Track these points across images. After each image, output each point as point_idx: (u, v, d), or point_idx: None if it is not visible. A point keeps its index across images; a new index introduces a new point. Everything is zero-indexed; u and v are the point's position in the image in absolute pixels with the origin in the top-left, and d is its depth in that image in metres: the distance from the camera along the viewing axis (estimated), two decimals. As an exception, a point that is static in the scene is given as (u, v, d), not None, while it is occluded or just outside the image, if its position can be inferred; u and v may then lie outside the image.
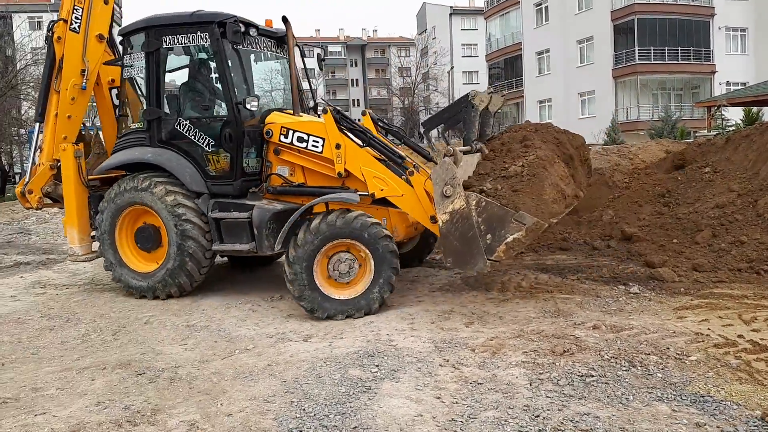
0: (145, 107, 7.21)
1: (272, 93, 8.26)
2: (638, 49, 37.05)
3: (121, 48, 7.68)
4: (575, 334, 5.15)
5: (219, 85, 7.01)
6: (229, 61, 6.89)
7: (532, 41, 45.84)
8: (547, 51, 44.42)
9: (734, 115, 25.84)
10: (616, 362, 4.50)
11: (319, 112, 7.62)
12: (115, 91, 8.28)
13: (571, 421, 3.63)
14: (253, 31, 6.85)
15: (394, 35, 76.55)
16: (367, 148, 6.69)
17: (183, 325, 6.12)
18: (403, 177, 6.42)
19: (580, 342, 4.94)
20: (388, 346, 5.14)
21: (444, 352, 4.93)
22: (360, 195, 6.46)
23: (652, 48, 37.04)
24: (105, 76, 8.23)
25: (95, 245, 7.75)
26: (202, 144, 6.91)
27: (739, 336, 4.89)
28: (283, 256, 6.36)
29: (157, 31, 6.99)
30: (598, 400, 3.90)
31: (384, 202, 6.64)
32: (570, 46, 41.84)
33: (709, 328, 5.12)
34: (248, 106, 6.64)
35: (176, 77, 7.56)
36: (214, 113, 7.15)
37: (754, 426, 3.46)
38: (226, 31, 6.49)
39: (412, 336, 5.41)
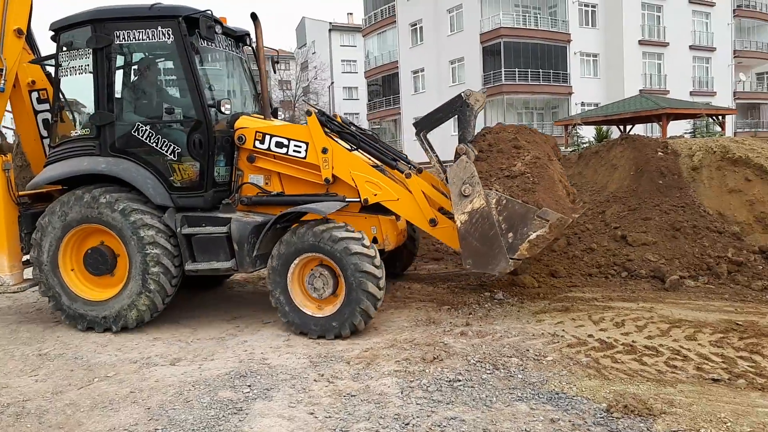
0: (89, 112, 6.37)
1: (233, 96, 7.41)
2: (504, 71, 39.56)
3: (41, 44, 6.77)
4: (444, 341, 5.35)
5: (182, 86, 6.33)
6: (195, 60, 6.17)
7: (408, 60, 47.43)
8: (422, 70, 46.17)
9: (588, 133, 28.31)
10: (481, 366, 4.73)
11: (279, 115, 7.30)
12: (36, 95, 7.22)
13: (438, 426, 3.76)
14: (218, 29, 6.22)
15: (274, 48, 75.72)
16: (357, 151, 6.35)
17: (34, 354, 5.59)
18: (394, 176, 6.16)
19: (449, 348, 5.13)
20: (262, 365, 5.03)
21: (319, 367, 4.91)
22: (351, 201, 6.24)
23: (517, 70, 39.71)
24: (24, 77, 7.10)
25: (27, 272, 6.64)
26: (166, 152, 6.12)
27: (589, 335, 5.33)
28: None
29: (107, 25, 6.13)
30: (465, 404, 4.07)
31: (374, 208, 6.36)
32: (443, 66, 43.79)
33: (563, 330, 5.53)
34: (222, 109, 6.09)
35: (130, 77, 6.59)
36: (180, 116, 6.32)
37: (601, 417, 3.78)
38: (200, 26, 5.96)
39: (287, 353, 5.34)
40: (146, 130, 6.13)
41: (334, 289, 5.71)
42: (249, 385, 4.57)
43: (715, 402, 3.88)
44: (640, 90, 38.36)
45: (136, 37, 6.15)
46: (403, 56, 48.06)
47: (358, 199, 6.24)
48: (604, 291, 6.66)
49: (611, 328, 5.52)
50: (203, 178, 6.18)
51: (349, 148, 6.33)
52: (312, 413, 4.05)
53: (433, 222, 6.12)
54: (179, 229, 6.06)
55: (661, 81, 43.81)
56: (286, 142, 6.29)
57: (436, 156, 6.43)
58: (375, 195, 6.19)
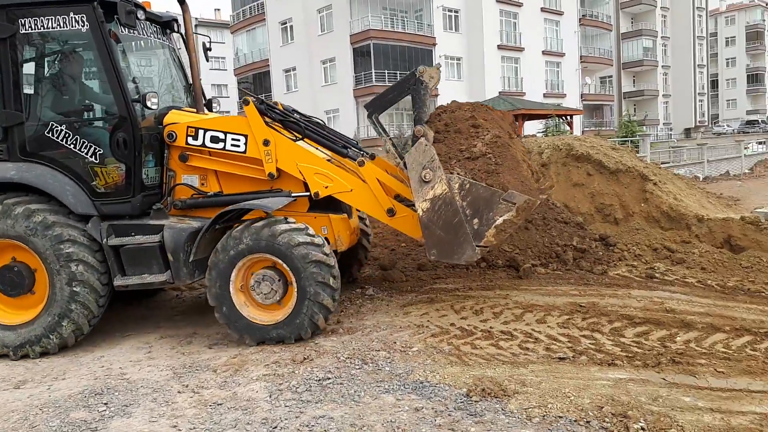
0: None
1: (161, 88, 6.60)
2: (375, 72, 40.33)
3: None
4: (315, 340, 5.36)
5: (101, 80, 5.68)
6: (115, 50, 5.54)
7: (279, 59, 46.81)
8: (294, 69, 45.80)
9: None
10: (350, 362, 4.80)
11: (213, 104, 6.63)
12: None
13: (307, 426, 3.76)
14: (141, 14, 5.61)
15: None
16: (302, 142, 5.91)
17: None
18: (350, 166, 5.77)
19: (319, 347, 5.16)
20: (120, 381, 4.74)
21: (184, 378, 4.72)
22: (299, 195, 5.81)
23: (386, 71, 40.63)
24: None
25: None
26: (86, 154, 5.50)
27: (451, 324, 5.61)
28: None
29: (9, 12, 5.40)
30: (333, 401, 4.12)
31: (324, 206, 6.02)
32: (315, 66, 43.73)
33: (428, 320, 5.76)
34: (149, 104, 5.46)
35: (41, 71, 5.78)
36: (100, 114, 5.76)
37: (461, 402, 3.99)
38: (119, 12, 5.30)
39: (149, 366, 5.07)
40: (62, 130, 5.49)
41: (283, 296, 5.34)
42: (105, 403, 4.29)
43: (561, 378, 4.24)
44: (500, 92, 40.82)
45: (46, 25, 5.45)
46: (274, 54, 47.36)
47: (308, 193, 5.82)
48: (465, 281, 7.02)
49: (471, 316, 5.84)
50: (130, 182, 5.61)
51: (294, 138, 5.91)
52: (175, 426, 3.89)
53: (390, 212, 5.80)
54: (105, 240, 5.46)
55: (518, 83, 46.97)
56: (222, 136, 5.78)
57: (391, 139, 6.12)
58: (326, 187, 5.79)
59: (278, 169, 5.79)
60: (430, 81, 5.82)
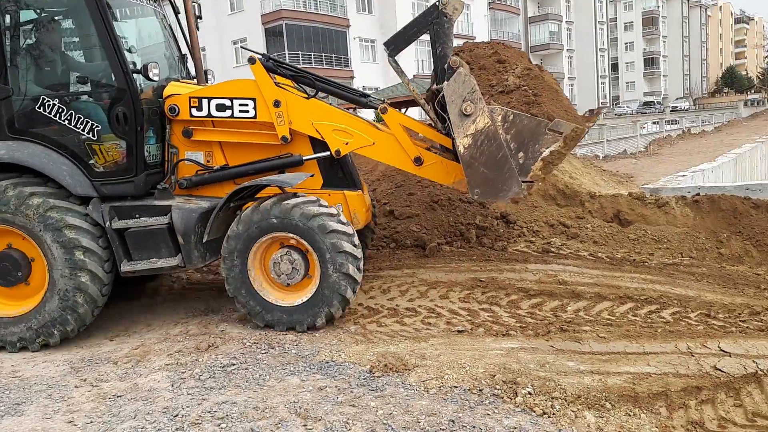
0: None
1: (155, 59, 5.95)
2: (288, 53, 39.63)
3: None
4: (222, 327, 5.32)
5: (95, 49, 5.25)
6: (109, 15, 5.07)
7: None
8: (204, 49, 44.14)
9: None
10: (257, 347, 4.82)
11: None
12: None
13: (209, 412, 3.76)
14: None
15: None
16: (315, 98, 5.54)
17: None
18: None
19: (225, 335, 5.12)
20: (12, 379, 4.53)
21: (82, 372, 4.57)
22: (316, 156, 5.53)
23: (300, 52, 40.05)
24: None
25: None
26: (81, 130, 5.10)
27: (359, 304, 5.72)
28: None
29: None
30: (238, 386, 4.13)
31: (338, 184, 5.80)
32: (226, 46, 42.41)
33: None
34: (150, 75, 5.05)
35: (28, 39, 5.26)
36: (96, 86, 5.30)
37: (364, 379, 4.11)
38: None
39: (44, 362, 4.87)
40: (54, 104, 5.09)
41: (305, 273, 5.06)
42: (-6, 403, 4.09)
43: (458, 350, 4.46)
44: (414, 75, 41.28)
45: None
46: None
47: (326, 153, 5.51)
48: (375, 262, 7.16)
49: (379, 295, 5.98)
50: (132, 160, 5.24)
51: (307, 95, 5.56)
52: (71, 422, 3.78)
53: (418, 161, 5.52)
54: (108, 223, 5.10)
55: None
56: (228, 102, 5.41)
57: (411, 81, 5.77)
58: (346, 144, 5.48)
59: (291, 132, 5.47)
60: (454, 13, 5.35)
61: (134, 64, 5.25)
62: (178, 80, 5.92)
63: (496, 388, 3.77)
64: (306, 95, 5.58)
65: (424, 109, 5.67)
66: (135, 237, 5.13)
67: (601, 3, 75.94)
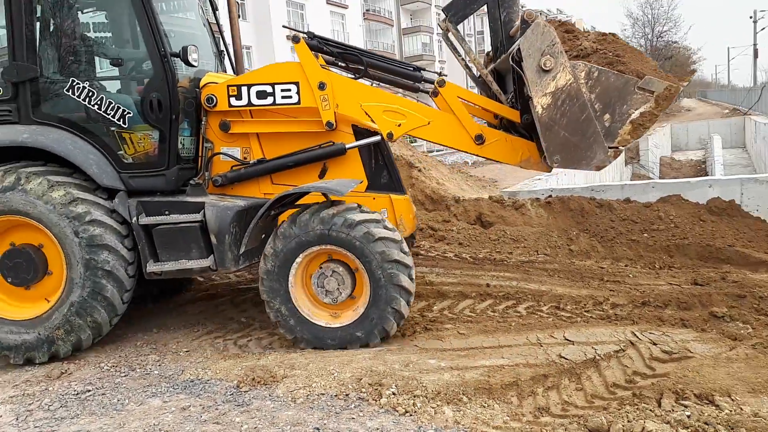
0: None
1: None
2: (157, 59, 37.93)
3: None
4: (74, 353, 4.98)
5: (132, 30, 4.96)
6: None
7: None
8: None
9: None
10: (116, 370, 4.56)
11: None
12: None
13: (58, 444, 3.51)
14: None
15: None
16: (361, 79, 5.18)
17: None
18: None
19: (79, 360, 4.80)
20: None
21: None
22: (366, 142, 5.11)
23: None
24: None
25: None
26: (112, 116, 4.77)
27: (230, 318, 5.61)
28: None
29: None
30: (93, 414, 3.88)
31: (383, 187, 5.30)
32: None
33: (205, 318, 5.68)
34: (190, 60, 4.69)
35: (58, 18, 4.80)
36: (130, 70, 4.97)
37: (230, 395, 4.02)
38: None
39: None
40: (84, 88, 4.74)
41: (352, 290, 4.63)
42: None
43: (328, 357, 4.49)
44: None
45: None
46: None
47: (376, 137, 5.15)
48: (246, 275, 7.04)
49: (251, 308, 5.88)
50: (165, 152, 4.88)
51: (355, 76, 5.24)
52: None
53: (479, 139, 5.17)
54: (135, 218, 4.71)
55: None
56: (270, 89, 4.98)
57: (469, 48, 5.37)
58: (399, 125, 5.12)
59: (336, 116, 5.07)
60: None
61: (171, 47, 4.89)
62: (215, 72, 5.62)
63: (362, 392, 3.85)
64: (352, 75, 5.29)
65: (486, 84, 5.40)
66: (163, 235, 4.75)
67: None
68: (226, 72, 5.99)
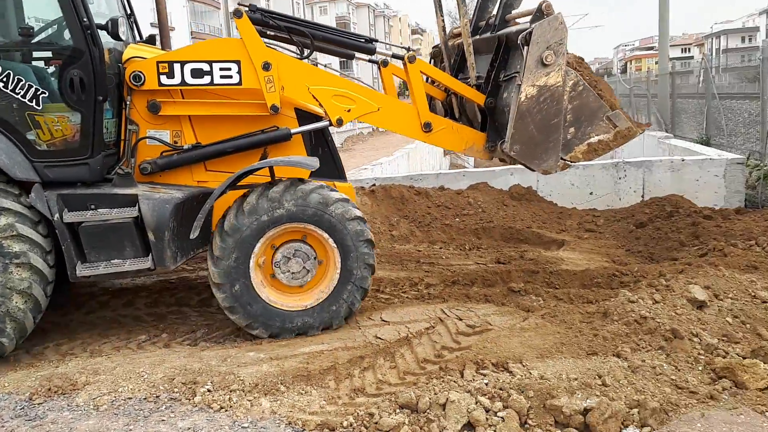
0: None
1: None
2: None
3: None
4: None
5: None
6: None
7: None
8: None
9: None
10: None
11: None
12: None
13: None
14: None
15: None
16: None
17: None
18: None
19: None
20: None
21: None
22: (317, 126, 4.92)
23: None
24: None
25: None
26: (22, 96, 4.14)
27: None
28: None
29: None
30: None
31: (327, 175, 5.00)
32: None
33: None
34: (119, 33, 4.33)
35: None
36: (45, 43, 4.45)
37: (21, 409, 3.61)
38: None
39: None
40: None
41: (316, 271, 4.50)
42: None
43: (138, 359, 4.21)
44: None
45: None
46: None
47: (325, 123, 4.86)
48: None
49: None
50: (88, 137, 4.34)
51: (299, 55, 4.92)
52: None
53: (427, 126, 5.03)
54: (57, 215, 4.14)
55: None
56: (207, 67, 4.52)
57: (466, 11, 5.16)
58: (348, 111, 4.85)
59: (282, 99, 4.70)
60: None
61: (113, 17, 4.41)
62: (134, 44, 5.01)
63: (174, 392, 3.67)
64: (297, 55, 4.97)
65: (448, 55, 5.48)
66: (92, 233, 4.21)
67: (299, 5, 79.66)
68: (139, 42, 5.34)
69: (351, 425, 3.21)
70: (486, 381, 3.52)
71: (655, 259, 6.33)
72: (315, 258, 4.50)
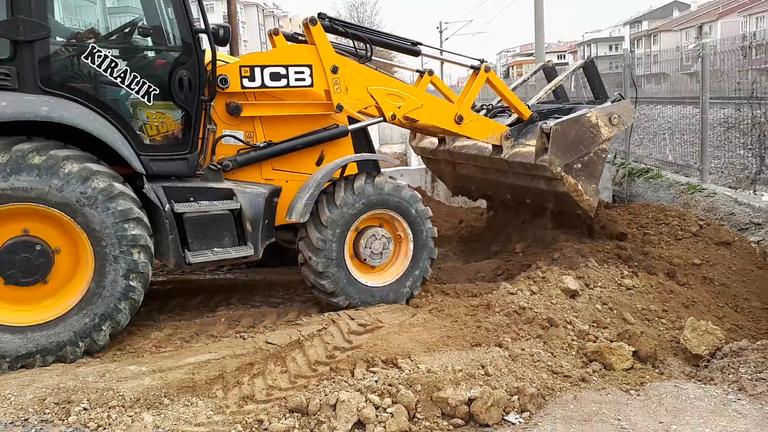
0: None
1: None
2: None
3: None
4: None
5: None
6: None
7: None
8: None
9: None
10: None
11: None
12: None
13: None
14: None
15: None
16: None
17: None
18: None
19: None
20: None
21: None
22: (373, 122, 5.59)
23: None
24: None
25: None
26: (136, 92, 4.39)
27: None
28: None
29: None
30: None
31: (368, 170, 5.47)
32: None
33: None
34: (221, 39, 4.64)
35: None
36: (159, 41, 4.66)
37: None
38: None
39: None
40: (105, 56, 4.25)
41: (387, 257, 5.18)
42: None
43: (4, 381, 3.85)
44: None
45: None
46: None
47: (380, 119, 5.50)
48: None
49: None
50: (189, 134, 4.64)
51: (358, 58, 5.50)
52: None
53: (460, 119, 5.77)
54: (167, 206, 4.35)
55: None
56: (283, 71, 4.96)
57: None
58: (399, 108, 5.46)
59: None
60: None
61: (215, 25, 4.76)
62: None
63: (45, 413, 3.40)
64: (359, 57, 5.51)
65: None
66: (197, 223, 4.51)
67: (193, 3, 76.59)
68: (233, 43, 5.67)
69: (239, 433, 3.14)
70: (376, 378, 3.58)
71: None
72: (391, 239, 5.17)
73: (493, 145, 6.15)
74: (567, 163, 5.68)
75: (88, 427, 3.26)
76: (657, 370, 4.05)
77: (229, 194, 4.73)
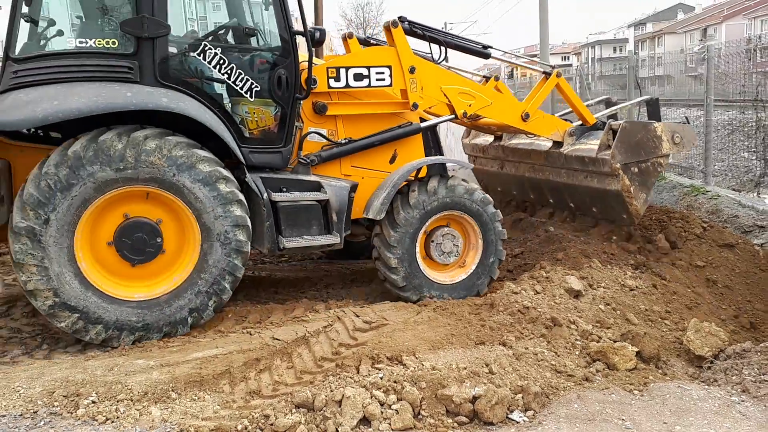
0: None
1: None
2: None
3: None
4: None
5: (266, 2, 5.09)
6: None
7: None
8: None
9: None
10: None
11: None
12: None
13: None
14: None
15: None
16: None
17: None
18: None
19: None
20: None
21: None
22: (444, 120, 5.79)
23: None
24: None
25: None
26: (240, 87, 4.76)
27: None
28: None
29: None
30: None
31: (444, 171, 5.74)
32: None
33: None
34: (315, 41, 4.95)
35: None
36: (263, 42, 5.09)
37: None
38: None
39: None
40: (216, 54, 4.66)
41: (462, 249, 5.39)
42: None
43: (13, 374, 3.90)
44: None
45: None
46: None
47: (451, 116, 5.70)
48: None
49: None
50: (283, 129, 5.00)
51: (432, 58, 5.69)
52: None
53: (526, 116, 5.91)
54: (265, 195, 4.69)
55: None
56: (366, 71, 5.26)
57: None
58: (470, 105, 5.66)
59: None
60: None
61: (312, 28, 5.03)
62: None
63: (54, 406, 3.44)
64: (433, 58, 5.70)
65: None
66: (290, 212, 4.83)
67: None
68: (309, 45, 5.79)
69: (246, 428, 3.18)
70: (381, 375, 3.61)
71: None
72: (460, 239, 5.33)
73: (554, 141, 6.32)
74: (626, 163, 5.78)
75: (97, 420, 3.30)
76: (660, 371, 4.07)
77: (317, 186, 5.03)
